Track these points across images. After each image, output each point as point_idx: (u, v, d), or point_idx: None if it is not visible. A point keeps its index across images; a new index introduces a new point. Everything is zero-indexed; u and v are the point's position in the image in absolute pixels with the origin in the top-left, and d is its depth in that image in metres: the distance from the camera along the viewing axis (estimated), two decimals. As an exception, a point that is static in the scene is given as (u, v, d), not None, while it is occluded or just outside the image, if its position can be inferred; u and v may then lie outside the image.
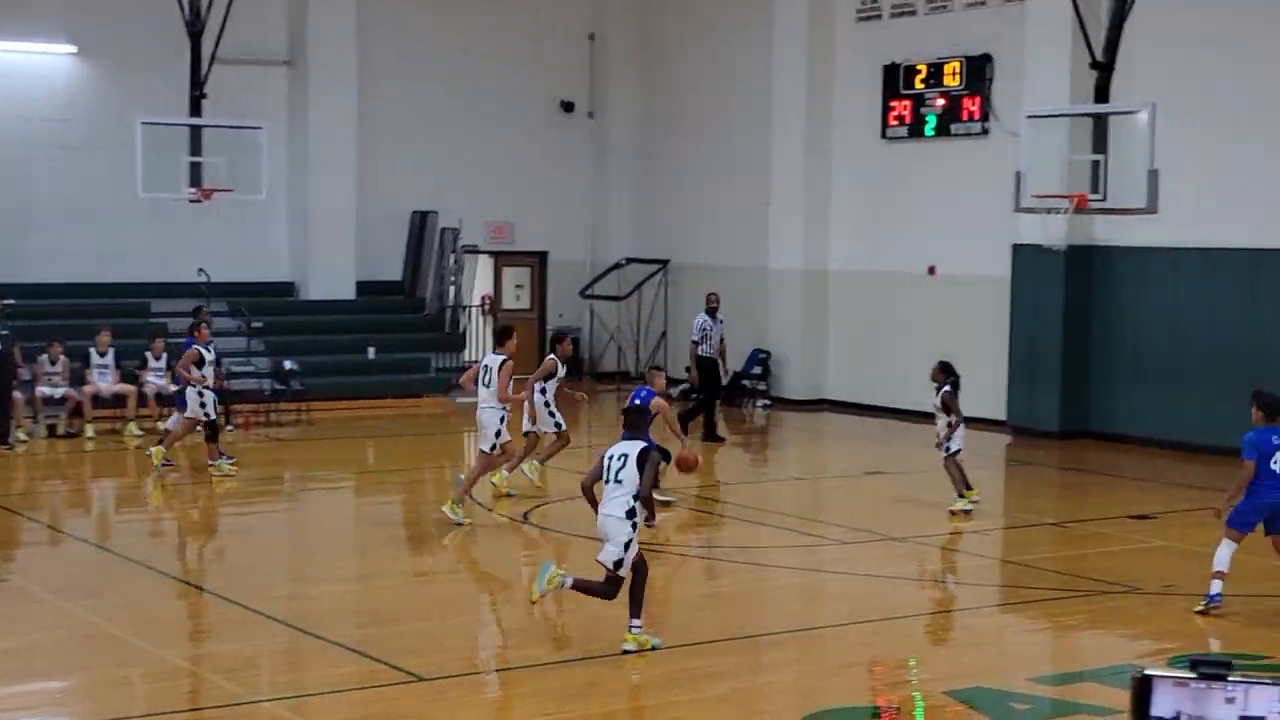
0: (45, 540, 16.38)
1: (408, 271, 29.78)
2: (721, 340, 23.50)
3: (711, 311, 23.53)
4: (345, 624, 12.55)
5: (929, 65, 25.81)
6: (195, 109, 23.14)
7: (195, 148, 22.57)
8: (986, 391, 24.13)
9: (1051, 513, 17.88)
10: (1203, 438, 21.65)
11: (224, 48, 23.46)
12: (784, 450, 22.62)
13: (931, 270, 26.07)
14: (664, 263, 30.55)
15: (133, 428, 22.78)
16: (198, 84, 23.25)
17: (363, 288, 29.03)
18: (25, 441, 21.94)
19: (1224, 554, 12.82)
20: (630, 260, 31.08)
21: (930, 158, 26.01)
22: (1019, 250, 23.89)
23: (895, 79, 26.31)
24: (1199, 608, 12.77)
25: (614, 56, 31.43)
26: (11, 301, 24.23)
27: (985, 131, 25.04)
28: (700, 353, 23.29)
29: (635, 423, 11.82)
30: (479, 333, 31.05)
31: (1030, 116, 19.32)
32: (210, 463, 19.53)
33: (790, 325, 27.49)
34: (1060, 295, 23.65)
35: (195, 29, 23.26)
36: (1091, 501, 19.15)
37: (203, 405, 19.42)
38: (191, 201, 22.86)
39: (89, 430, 22.65)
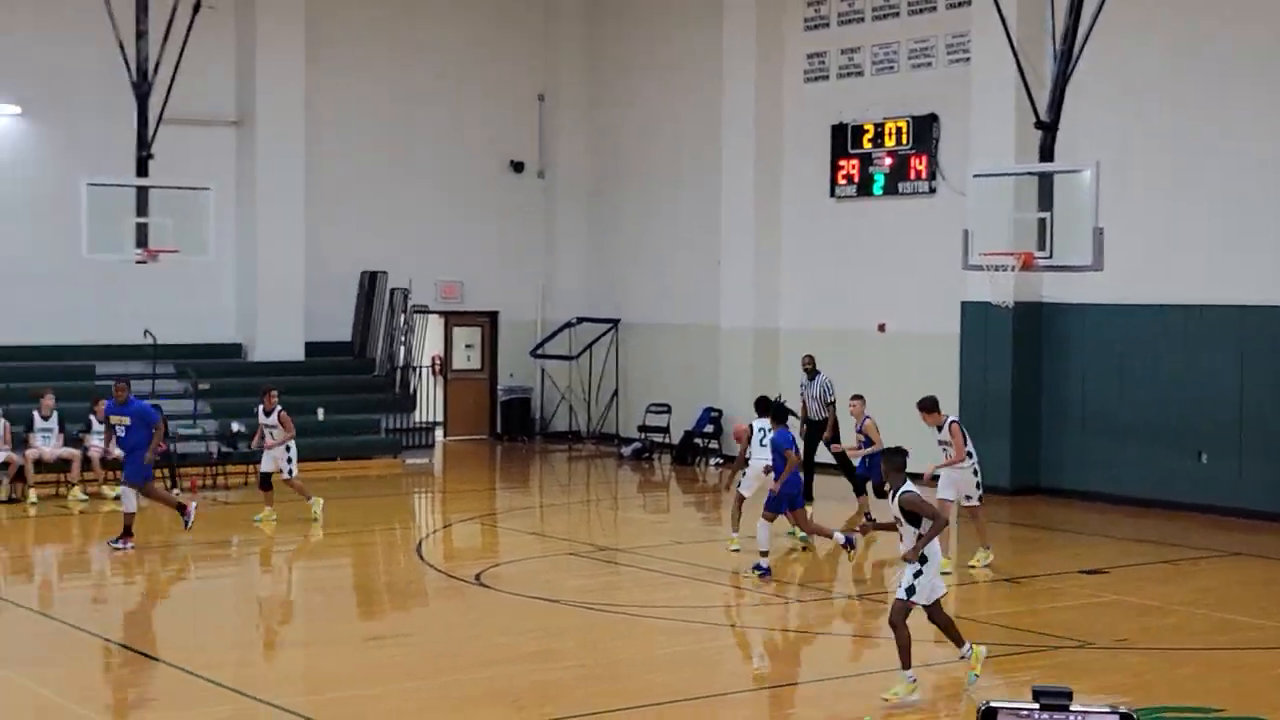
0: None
1: (357, 332, 29.67)
2: (821, 400, 22.76)
3: (807, 372, 23.02)
4: (293, 690, 12.37)
5: (876, 125, 25.98)
6: (142, 169, 22.97)
7: (142, 208, 22.37)
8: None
9: (1004, 569, 17.85)
10: (1150, 492, 21.78)
11: (171, 108, 23.33)
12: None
13: (881, 327, 26.14)
14: (615, 322, 30.54)
15: (77, 492, 22.52)
16: (145, 144, 23.08)
17: (312, 348, 28.88)
18: (-33, 505, 21.65)
19: None
20: (581, 320, 31.06)
21: (879, 216, 26.13)
22: (967, 307, 23.98)
23: (844, 138, 26.45)
24: None
25: (563, 116, 31.50)
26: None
27: (933, 190, 25.20)
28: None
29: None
30: (429, 393, 30.97)
31: (977, 175, 19.38)
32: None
33: (741, 383, 27.46)
34: (1009, 351, 23.76)
35: (142, 89, 23.12)
36: (1043, 557, 19.14)
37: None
38: (138, 263, 22.62)
39: (32, 495, 22.37)
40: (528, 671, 12.42)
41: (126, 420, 18.69)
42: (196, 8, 23.19)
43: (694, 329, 28.68)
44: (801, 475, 18.39)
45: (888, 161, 25.85)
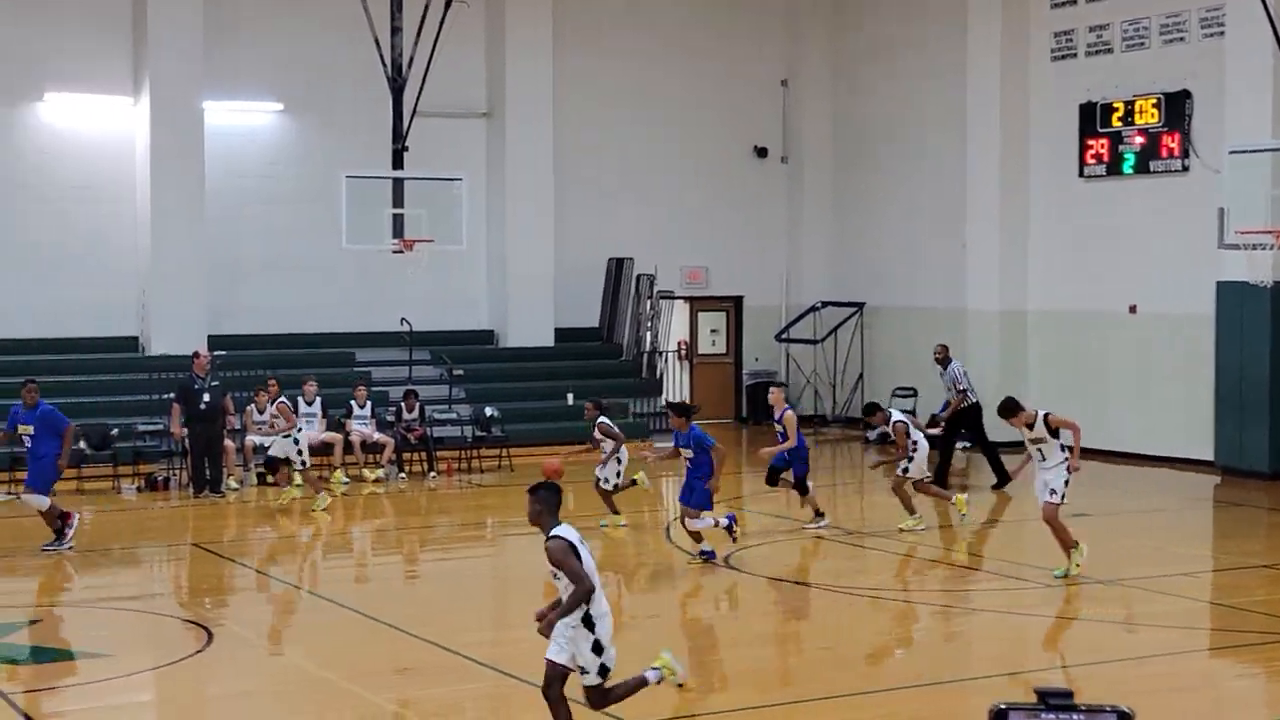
0: (254, 586, 16.84)
1: (605, 318, 30.11)
2: (953, 387, 22.87)
3: (939, 362, 23.19)
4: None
5: (1126, 103, 25.45)
6: (397, 162, 23.71)
7: (398, 200, 23.10)
8: (1193, 431, 23.66)
9: (1262, 555, 17.43)
10: None
11: (425, 101, 24.02)
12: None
13: (1133, 309, 25.62)
14: (860, 305, 30.47)
15: (340, 475, 23.32)
16: (399, 137, 23.82)
17: (561, 334, 29.41)
18: (236, 489, 22.61)
19: None
20: (826, 304, 31.05)
21: (1129, 195, 25.60)
22: (1223, 287, 23.38)
23: (1092, 117, 25.97)
24: None
25: (807, 101, 31.49)
26: (222, 353, 25.02)
27: (1185, 168, 24.59)
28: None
29: None
30: (675, 378, 31.29)
31: (1233, 151, 18.96)
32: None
33: (988, 366, 27.17)
34: (1267, 331, 23.08)
35: (397, 84, 23.84)
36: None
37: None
38: (394, 253, 23.39)
39: (297, 478, 23.23)
40: (773, 653, 12.56)
41: (31, 429, 17.89)
42: (448, 3, 23.85)
43: (940, 312, 28.46)
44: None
45: (1138, 140, 25.30)
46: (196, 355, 22.82)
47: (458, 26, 25.33)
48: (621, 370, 29.36)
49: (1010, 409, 15.74)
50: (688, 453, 16.68)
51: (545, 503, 9.82)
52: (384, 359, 27.55)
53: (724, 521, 16.90)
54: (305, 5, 27.57)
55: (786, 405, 18.97)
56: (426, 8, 23.83)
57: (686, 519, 16.77)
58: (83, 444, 23.10)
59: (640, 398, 28.60)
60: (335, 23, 26.69)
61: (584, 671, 9.74)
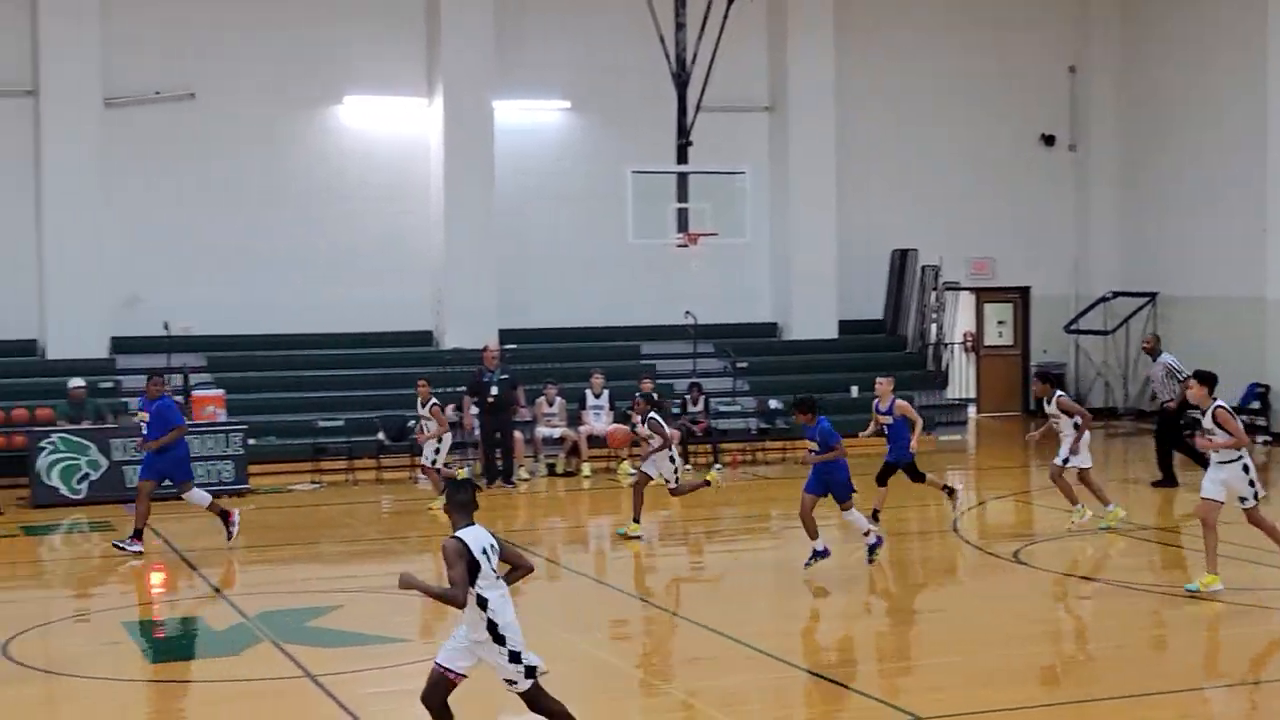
0: (546, 575, 17.20)
1: (889, 310, 29.91)
2: (1169, 379, 22.29)
3: (1149, 353, 22.85)
4: (834, 660, 12.72)
5: None
6: (681, 157, 23.95)
7: (682, 194, 23.34)
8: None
9: None
10: None
11: (708, 96, 24.21)
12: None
13: None
14: (1152, 295, 29.66)
15: (626, 466, 23.65)
16: (684, 132, 24.07)
17: (844, 326, 29.33)
18: (527, 480, 23.13)
19: None
20: (1116, 294, 30.31)
21: None
22: None
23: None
24: None
25: (1096, 87, 30.79)
26: (513, 346, 25.62)
27: None
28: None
29: None
30: (961, 370, 30.93)
31: None
32: None
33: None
34: None
35: (681, 80, 24.10)
36: None
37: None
38: (678, 247, 23.63)
39: (585, 469, 23.67)
40: (1064, 650, 12.35)
41: (146, 416, 17.98)
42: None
43: (1238, 301, 27.54)
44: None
45: None
46: (486, 349, 23.40)
47: (740, 21, 25.46)
48: (906, 363, 29.10)
49: (1206, 380, 15.04)
50: (814, 444, 16.12)
51: (454, 500, 9.57)
52: (669, 352, 27.86)
53: (872, 540, 16.37)
54: (592, 5, 28.00)
55: (894, 396, 18.74)
56: (709, 4, 24.03)
57: (843, 514, 16.22)
58: (381, 435, 23.94)
59: (925, 391, 28.31)
60: (621, 21, 27.06)
61: (511, 683, 9.50)
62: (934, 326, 29.35)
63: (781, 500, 21.80)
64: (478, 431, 23.15)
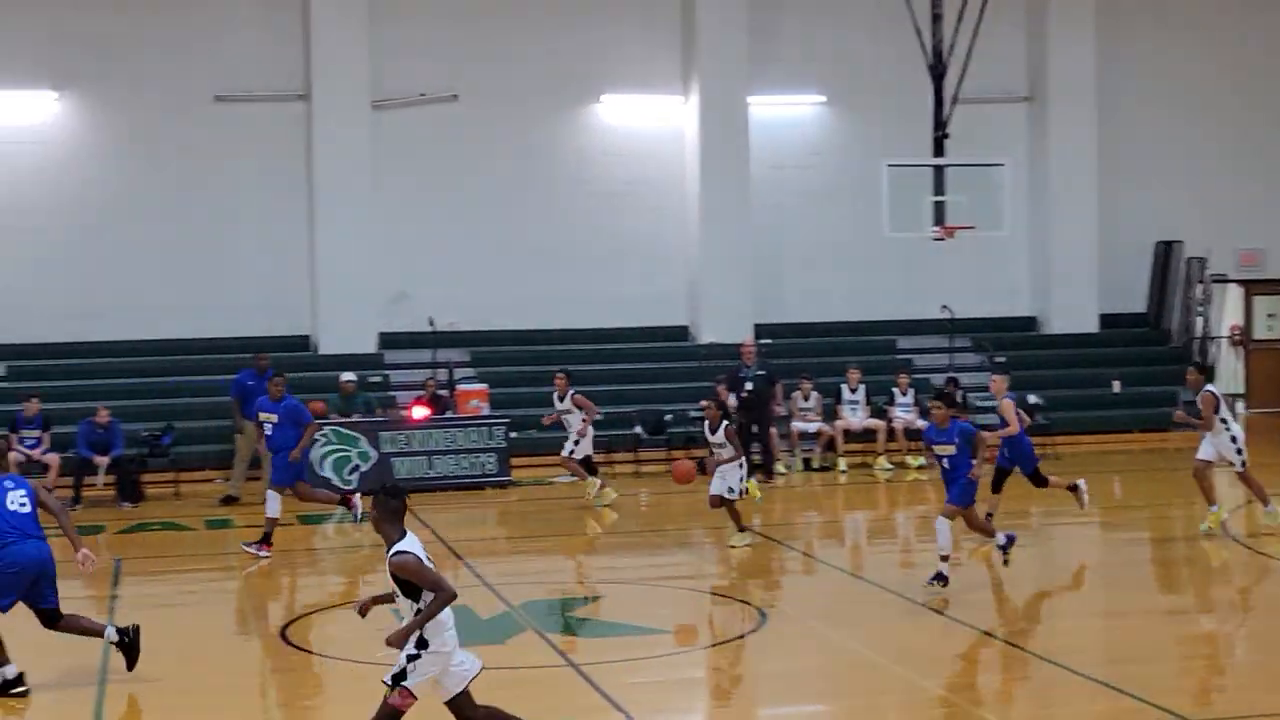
0: (802, 569, 17.26)
1: (1152, 303, 29.21)
2: None
3: None
4: (1096, 659, 12.53)
5: None
6: (938, 149, 23.75)
7: (938, 187, 23.14)
8: None
9: None
10: None
11: (965, 87, 23.96)
12: None
13: None
14: None
15: (883, 461, 23.57)
16: (940, 124, 23.86)
17: (1106, 320, 28.74)
18: (784, 474, 23.20)
19: None
20: (1394, 284, 29.18)
21: None
22: None
23: None
24: None
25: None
26: (768, 341, 25.70)
27: None
28: None
29: None
30: (1229, 365, 30.08)
31: None
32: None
33: None
34: None
35: (938, 71, 23.89)
36: None
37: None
38: (935, 240, 23.45)
39: (841, 464, 23.64)
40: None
41: (274, 418, 17.78)
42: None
43: None
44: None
45: None
46: (744, 344, 23.52)
47: (998, 11, 25.16)
48: (1170, 357, 28.39)
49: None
50: (948, 449, 14.61)
51: (384, 510, 8.93)
52: (925, 346, 27.65)
53: (1001, 540, 15.15)
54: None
55: (1008, 394, 17.66)
56: (968, -6, 23.79)
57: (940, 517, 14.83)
58: (638, 429, 24.26)
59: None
60: (876, 14, 26.96)
61: (388, 679, 8.95)
62: (1199, 320, 28.58)
63: (1040, 497, 21.46)
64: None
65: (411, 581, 8.78)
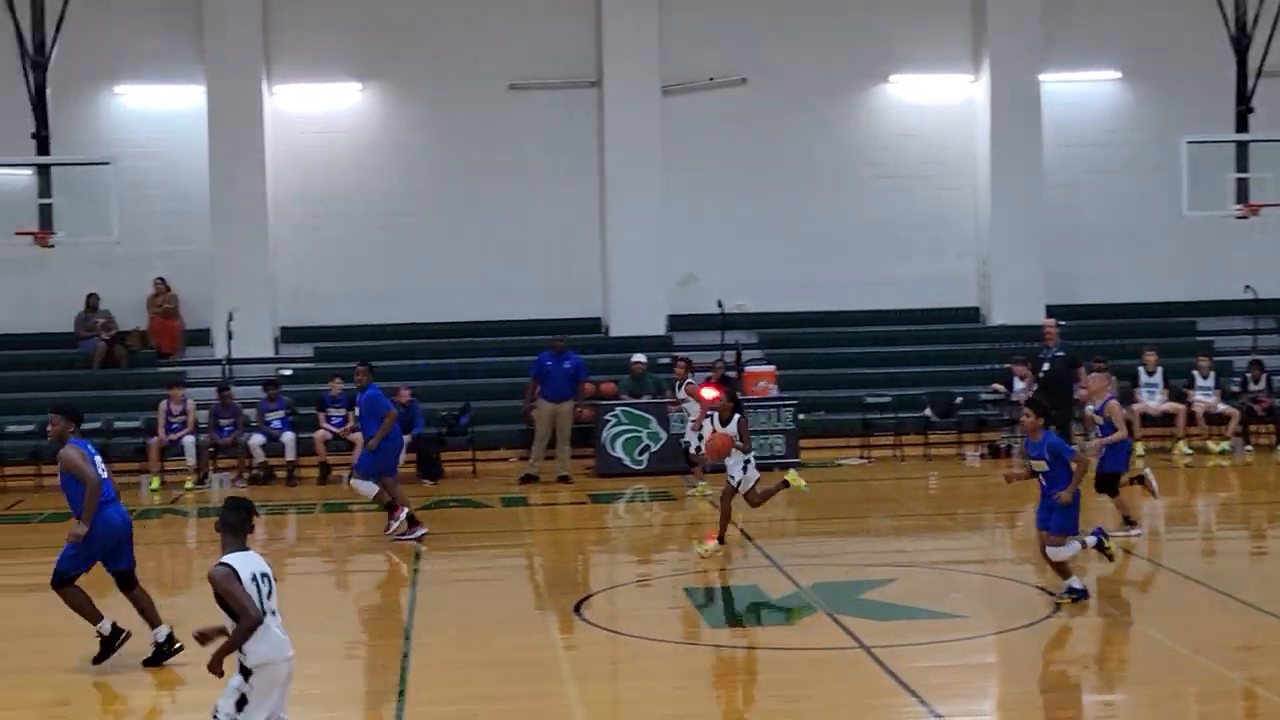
0: (1096, 555, 16.88)
1: None
2: None
3: None
4: None
5: None
6: (1241, 124, 23.02)
7: (1241, 163, 22.46)
8: None
9: None
10: None
11: (1270, 60, 23.14)
12: None
13: None
14: None
15: (1182, 446, 22.96)
16: (1244, 99, 23.12)
17: None
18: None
19: None
20: None
21: None
22: None
23: None
24: None
25: None
26: (1061, 323, 25.22)
27: None
28: None
29: None
30: None
31: None
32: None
33: None
34: None
35: (1241, 44, 23.16)
36: None
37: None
38: (1238, 218, 22.75)
39: (1139, 449, 23.06)
40: None
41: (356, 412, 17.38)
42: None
43: None
44: None
45: None
46: (1045, 326, 23.03)
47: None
48: None
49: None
50: (1041, 465, 13.39)
51: (225, 521, 8.54)
52: (1227, 328, 26.80)
53: (1091, 540, 13.87)
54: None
55: (1110, 393, 16.46)
56: (1272, -38, 22.96)
57: (1047, 548, 13.53)
58: (928, 412, 24.10)
59: None
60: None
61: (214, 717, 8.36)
62: None
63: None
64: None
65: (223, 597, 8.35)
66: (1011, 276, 26.74)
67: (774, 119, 27.10)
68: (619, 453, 22.55)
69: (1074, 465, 13.21)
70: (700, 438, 19.99)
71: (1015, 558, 16.52)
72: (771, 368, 24.25)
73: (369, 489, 17.54)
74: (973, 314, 27.47)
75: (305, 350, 26.45)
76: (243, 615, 8.23)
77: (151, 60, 26.53)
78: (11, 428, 23.74)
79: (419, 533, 17.36)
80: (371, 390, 17.79)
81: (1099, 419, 16.50)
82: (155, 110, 26.76)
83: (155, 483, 22.54)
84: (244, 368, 25.07)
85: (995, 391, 24.08)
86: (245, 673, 8.29)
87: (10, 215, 21.41)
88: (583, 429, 22.90)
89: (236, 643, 8.26)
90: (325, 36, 26.85)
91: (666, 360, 25.50)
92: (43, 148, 21.80)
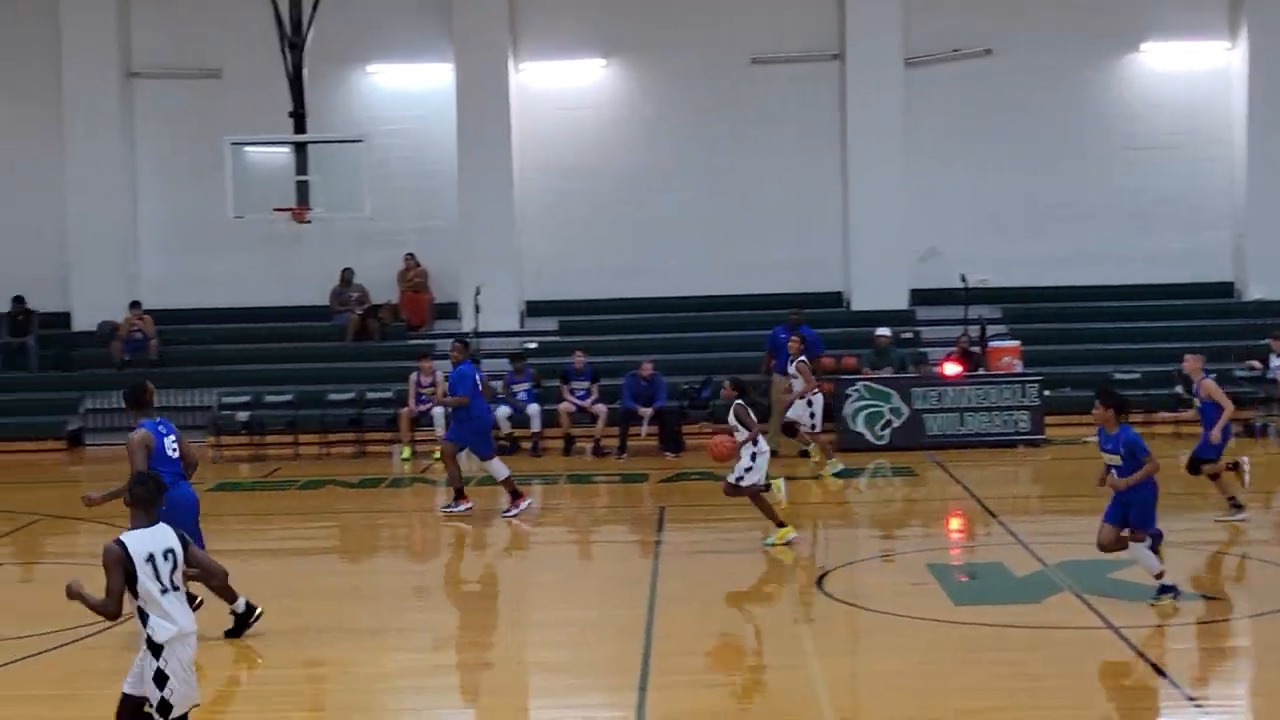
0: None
1: None
2: None
3: None
4: None
5: None
6: None
7: None
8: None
9: None
10: None
11: None
12: None
13: None
14: None
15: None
16: None
17: None
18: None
19: None
20: None
21: None
22: None
23: None
24: None
25: None
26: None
27: None
28: None
29: None
30: None
31: None
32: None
33: None
34: None
35: None
36: None
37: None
38: None
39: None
40: None
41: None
42: None
43: None
44: None
45: None
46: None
47: None
48: None
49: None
50: (1114, 459, 12.64)
51: (133, 494, 8.44)
52: None
53: (1166, 582, 12.78)
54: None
55: (1204, 374, 15.70)
56: None
57: (1131, 544, 12.80)
58: (1178, 388, 23.50)
59: None
60: None
61: (149, 704, 8.26)
62: None
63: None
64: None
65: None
66: (1269, 250, 25.91)
67: (1020, 90, 26.66)
68: (860, 428, 22.46)
69: (1145, 463, 12.53)
70: (813, 415, 20.60)
71: (1271, 539, 16.06)
72: (1016, 343, 23.85)
73: (500, 470, 17.80)
74: (1227, 289, 26.69)
75: (550, 324, 26.87)
76: (109, 596, 8.17)
77: (402, 40, 27.20)
78: (270, 397, 24.60)
79: (464, 507, 17.74)
80: (463, 367, 18.03)
81: (1196, 400, 16.16)
82: (405, 89, 27.43)
83: (406, 452, 23.15)
84: (490, 341, 25.58)
85: (1251, 368, 23.42)
86: (155, 649, 8.21)
87: (269, 192, 22.11)
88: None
89: (92, 610, 8.24)
90: (569, 13, 27.20)
91: (909, 335, 25.35)
92: (299, 126, 22.43)
